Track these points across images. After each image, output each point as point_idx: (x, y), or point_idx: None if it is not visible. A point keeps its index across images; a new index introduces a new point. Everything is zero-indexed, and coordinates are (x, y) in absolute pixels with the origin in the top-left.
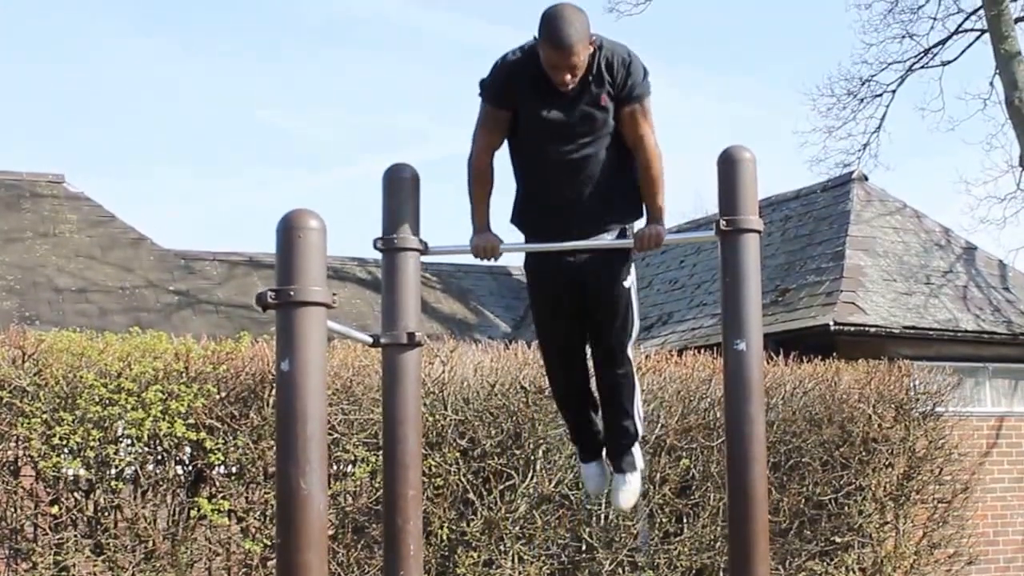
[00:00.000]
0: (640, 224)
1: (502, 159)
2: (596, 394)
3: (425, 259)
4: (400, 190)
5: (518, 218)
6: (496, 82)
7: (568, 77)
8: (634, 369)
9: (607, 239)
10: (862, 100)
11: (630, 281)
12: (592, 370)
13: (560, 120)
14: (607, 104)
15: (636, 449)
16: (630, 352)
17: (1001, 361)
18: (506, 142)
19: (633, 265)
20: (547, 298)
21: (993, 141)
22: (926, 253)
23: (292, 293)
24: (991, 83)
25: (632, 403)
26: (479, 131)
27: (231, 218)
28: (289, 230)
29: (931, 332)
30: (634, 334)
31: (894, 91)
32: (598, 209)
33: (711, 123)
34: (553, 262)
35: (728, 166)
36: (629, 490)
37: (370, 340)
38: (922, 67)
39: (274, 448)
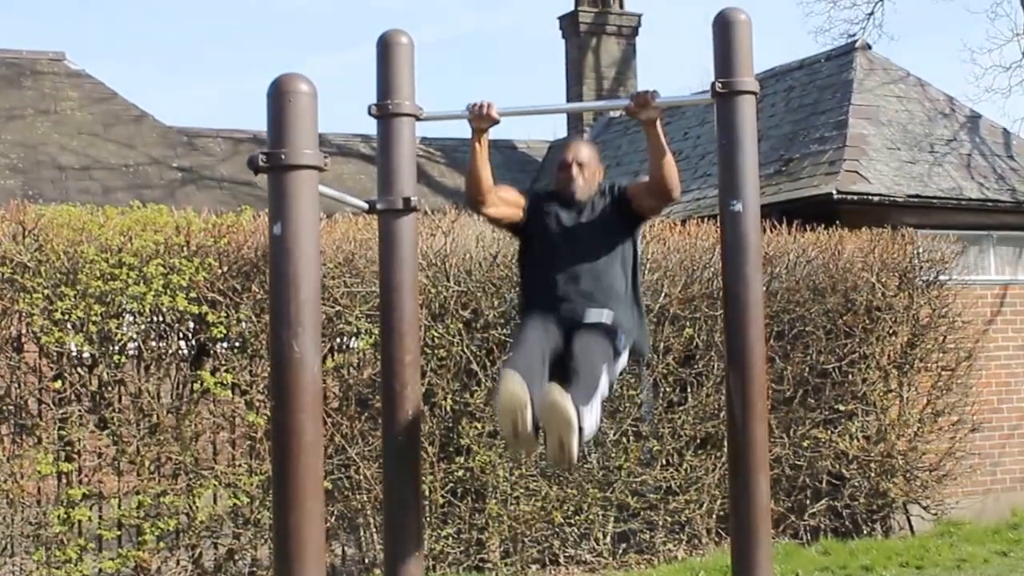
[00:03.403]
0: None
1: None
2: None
3: (429, 134)
4: (395, 56)
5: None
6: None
7: (576, 179)
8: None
9: (598, 314)
10: None
11: (620, 363)
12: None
13: (569, 224)
14: (614, 217)
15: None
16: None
17: (1005, 229)
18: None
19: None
20: (537, 319)
21: (998, 9)
22: (930, 122)
23: (283, 156)
24: None
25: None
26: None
27: (236, 96)
28: (280, 94)
29: (935, 200)
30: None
31: None
32: (600, 296)
33: None
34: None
35: (723, 28)
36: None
37: (365, 206)
38: None
39: None
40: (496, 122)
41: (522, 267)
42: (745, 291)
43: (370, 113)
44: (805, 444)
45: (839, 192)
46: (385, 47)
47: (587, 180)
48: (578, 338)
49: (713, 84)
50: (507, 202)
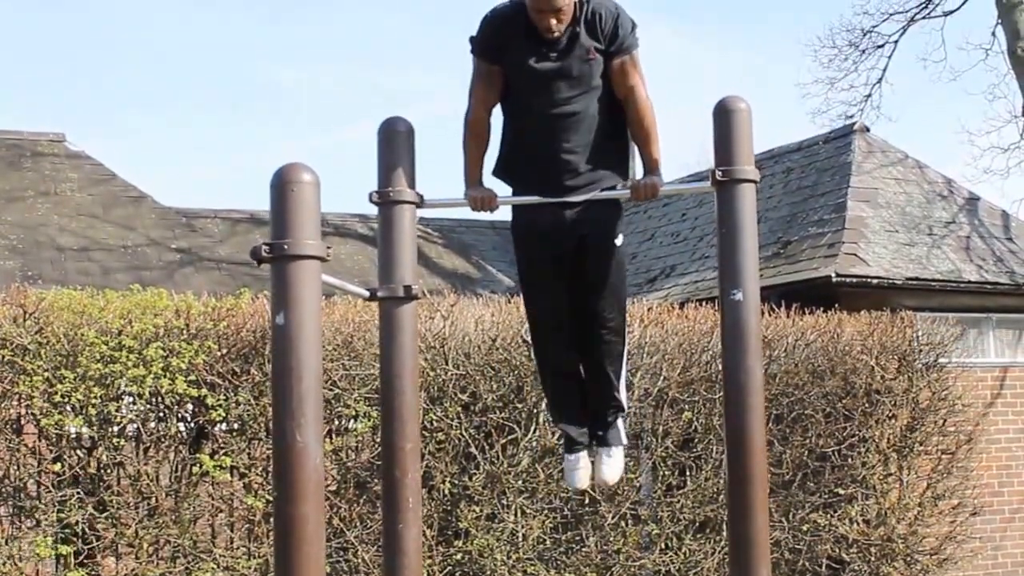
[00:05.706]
0: (638, 175)
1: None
2: (583, 369)
3: (427, 214)
4: (395, 143)
5: (504, 172)
6: (485, 36)
7: (554, 22)
8: (625, 335)
9: (597, 194)
10: (864, 51)
11: (622, 240)
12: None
13: (549, 72)
14: (596, 58)
15: (621, 423)
16: (623, 314)
17: (1004, 312)
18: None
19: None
20: (537, 257)
21: (995, 91)
22: (928, 204)
23: (286, 247)
24: (993, 33)
25: (619, 374)
26: (474, 87)
27: (233, 176)
28: (282, 184)
29: (934, 283)
30: (624, 297)
31: (896, 42)
32: (587, 165)
33: (716, 76)
34: (546, 218)
35: (723, 117)
36: (614, 464)
37: (367, 294)
38: (924, 17)
39: None
40: (496, 208)
41: (507, 123)
42: (745, 379)
43: (371, 200)
44: (804, 528)
45: (838, 275)
46: (386, 134)
47: (565, 13)
48: (591, 317)
49: (713, 172)
50: (492, 100)
